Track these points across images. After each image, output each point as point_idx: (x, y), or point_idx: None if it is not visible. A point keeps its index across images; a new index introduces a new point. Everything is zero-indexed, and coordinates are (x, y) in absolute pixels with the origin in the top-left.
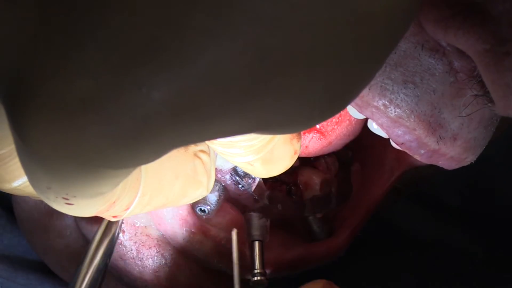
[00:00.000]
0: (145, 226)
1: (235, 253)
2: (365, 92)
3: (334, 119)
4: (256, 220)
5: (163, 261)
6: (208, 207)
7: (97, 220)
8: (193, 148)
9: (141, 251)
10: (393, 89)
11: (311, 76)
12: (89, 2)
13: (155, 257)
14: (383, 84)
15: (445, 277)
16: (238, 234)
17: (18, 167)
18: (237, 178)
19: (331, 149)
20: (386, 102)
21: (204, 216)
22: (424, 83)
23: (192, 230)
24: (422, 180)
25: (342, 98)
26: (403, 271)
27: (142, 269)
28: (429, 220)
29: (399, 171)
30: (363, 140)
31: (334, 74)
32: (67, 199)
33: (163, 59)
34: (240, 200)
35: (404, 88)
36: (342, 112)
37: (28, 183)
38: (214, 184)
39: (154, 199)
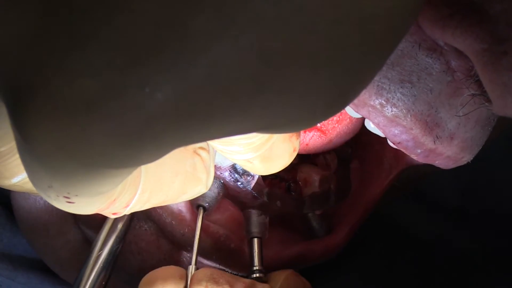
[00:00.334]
0: (144, 222)
1: (198, 230)
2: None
3: (335, 117)
4: (255, 217)
5: (162, 256)
6: (207, 204)
7: (96, 217)
8: (192, 145)
9: (140, 246)
10: (390, 88)
11: (313, 76)
12: (92, 2)
13: (155, 253)
14: (380, 84)
15: (444, 276)
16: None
17: (17, 164)
18: (236, 175)
19: (331, 147)
20: (383, 101)
21: (203, 213)
22: (421, 82)
23: (191, 226)
24: (421, 178)
25: (344, 97)
26: (402, 270)
27: (141, 263)
28: (428, 219)
29: (398, 169)
30: (362, 138)
31: (337, 74)
32: (68, 197)
33: (166, 59)
34: (239, 197)
35: (401, 87)
36: (343, 111)
37: (27, 179)
38: (213, 181)
39: (154, 196)
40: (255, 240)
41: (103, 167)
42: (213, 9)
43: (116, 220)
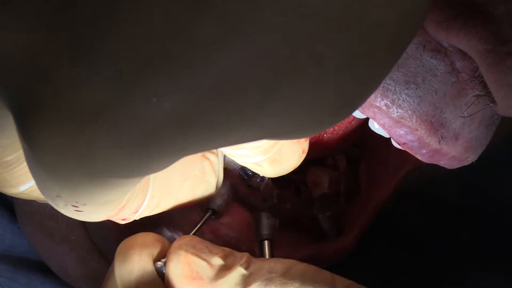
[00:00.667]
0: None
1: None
2: None
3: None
4: (265, 219)
5: None
6: (217, 207)
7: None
8: None
9: None
10: (395, 89)
11: (321, 84)
12: (98, 14)
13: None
14: (385, 85)
15: (444, 275)
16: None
17: (24, 172)
18: (246, 178)
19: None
20: (388, 102)
21: (213, 216)
22: (426, 83)
23: (202, 230)
24: (427, 181)
25: (351, 104)
26: (403, 270)
27: None
28: (429, 219)
29: (404, 171)
30: (368, 139)
31: (345, 82)
32: (76, 206)
33: (173, 69)
34: (249, 200)
35: (406, 88)
36: None
37: (34, 187)
38: (222, 184)
39: (163, 201)
40: (266, 242)
41: (110, 177)
42: (219, 18)
43: None
